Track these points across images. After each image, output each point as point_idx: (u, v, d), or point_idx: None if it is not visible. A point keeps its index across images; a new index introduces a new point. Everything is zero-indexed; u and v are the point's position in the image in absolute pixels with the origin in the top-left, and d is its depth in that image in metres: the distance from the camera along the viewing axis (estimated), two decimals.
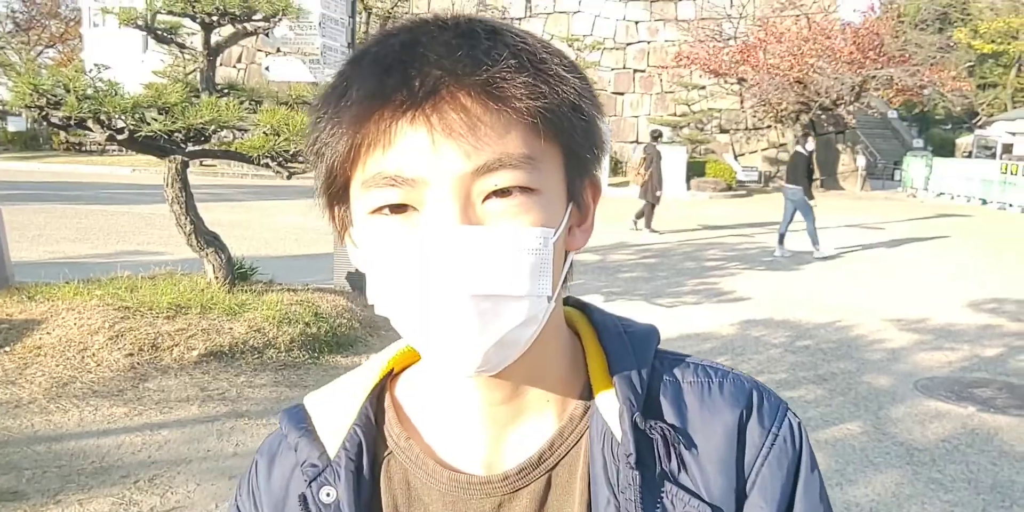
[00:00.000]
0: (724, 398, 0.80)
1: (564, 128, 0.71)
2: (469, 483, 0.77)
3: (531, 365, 0.75)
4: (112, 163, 27.61)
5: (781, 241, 12.38)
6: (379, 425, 0.82)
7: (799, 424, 0.82)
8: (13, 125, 34.71)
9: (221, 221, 13.70)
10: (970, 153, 33.29)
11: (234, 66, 32.70)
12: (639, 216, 15.13)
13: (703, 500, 0.75)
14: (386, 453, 0.81)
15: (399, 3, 28.36)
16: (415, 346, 0.73)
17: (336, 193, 0.74)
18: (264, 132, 5.66)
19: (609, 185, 26.10)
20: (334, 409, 0.82)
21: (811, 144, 12.70)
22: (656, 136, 15.92)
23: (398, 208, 0.69)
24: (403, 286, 0.68)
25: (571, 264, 0.79)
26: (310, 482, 0.78)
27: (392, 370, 0.86)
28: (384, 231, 0.69)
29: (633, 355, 0.81)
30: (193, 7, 5.99)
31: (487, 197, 0.68)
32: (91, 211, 15.05)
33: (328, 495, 0.77)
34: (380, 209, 0.69)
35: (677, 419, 0.78)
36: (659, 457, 0.75)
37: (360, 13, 27.66)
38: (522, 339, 0.70)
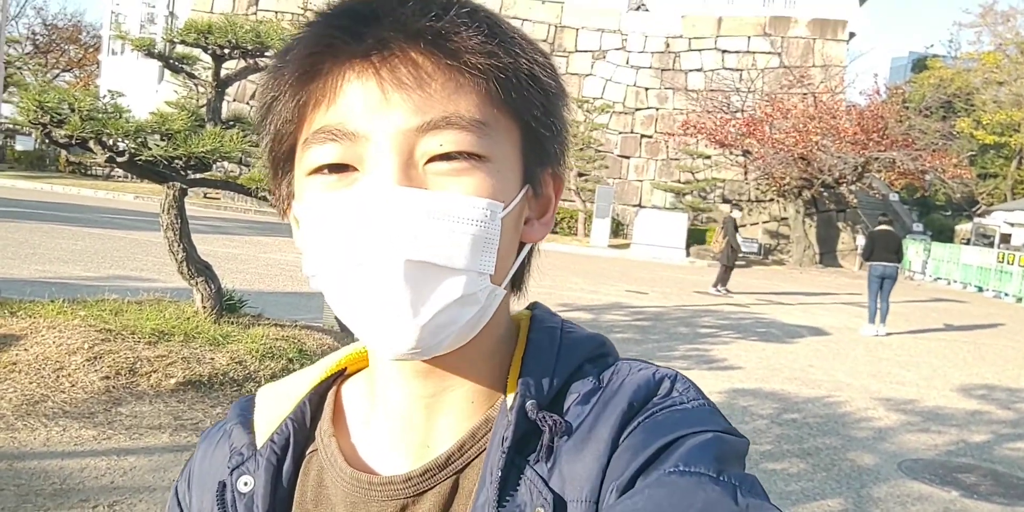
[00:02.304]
0: (624, 391, 0.71)
1: (521, 99, 0.67)
2: (371, 484, 0.72)
3: (464, 358, 0.71)
4: (116, 189, 27.70)
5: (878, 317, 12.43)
6: (314, 421, 0.78)
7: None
8: (21, 144, 34.96)
9: (217, 253, 13.70)
10: (968, 240, 33.50)
11: (247, 102, 33.10)
12: (719, 281, 16.59)
13: (552, 490, 0.67)
14: (310, 450, 0.77)
15: None
16: (348, 323, 0.68)
17: (281, 158, 0.70)
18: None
19: (609, 246, 26.22)
20: (278, 402, 0.79)
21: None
22: (732, 209, 18.27)
23: (337, 168, 0.65)
24: (336, 251, 0.64)
25: (529, 255, 0.75)
26: (232, 470, 0.76)
27: (345, 370, 0.82)
28: (320, 191, 0.65)
29: (555, 354, 0.74)
30: (206, 39, 6.05)
31: (432, 160, 0.64)
32: (88, 234, 15.02)
33: (245, 485, 0.74)
34: (319, 169, 0.65)
35: (575, 416, 0.70)
36: (540, 447, 0.68)
37: None
38: (461, 319, 0.65)
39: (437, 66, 0.64)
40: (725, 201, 30.87)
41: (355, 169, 0.65)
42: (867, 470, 5.61)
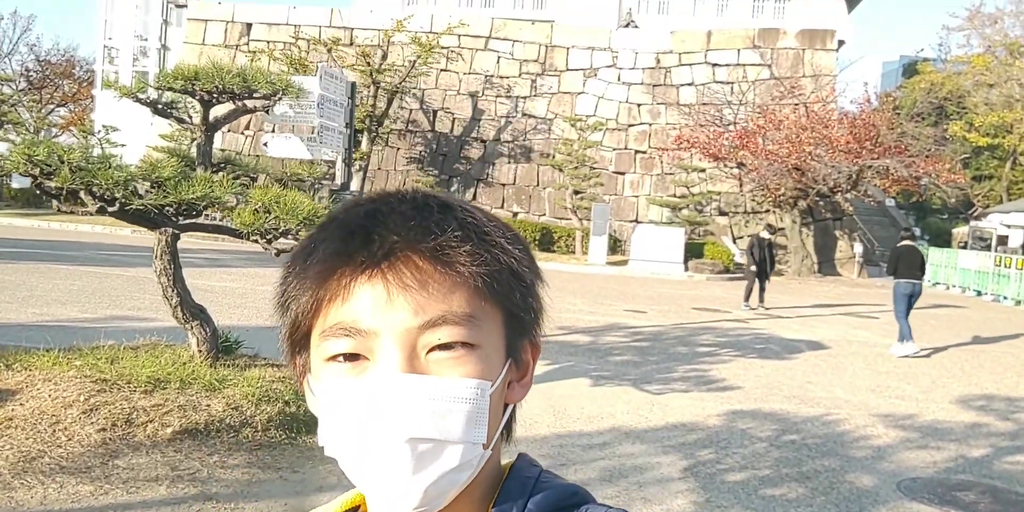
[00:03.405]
0: None
1: (504, 292, 0.80)
2: None
3: (455, 503, 0.80)
4: (113, 224, 27.73)
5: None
6: None
7: None
8: (17, 182, 35.10)
9: (214, 288, 13.74)
10: (966, 244, 33.53)
11: (242, 132, 33.27)
12: (752, 297, 17.05)
13: None
14: None
15: (407, 79, 28.98)
16: (359, 486, 0.80)
17: (298, 341, 0.82)
18: (255, 209, 5.72)
19: (607, 263, 26.25)
20: None
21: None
22: (766, 228, 18.45)
23: (351, 357, 0.77)
24: (349, 428, 0.75)
25: (512, 414, 0.86)
26: None
27: (358, 507, 0.90)
28: (336, 376, 0.77)
29: (524, 504, 0.82)
30: (193, 85, 6.12)
31: (431, 349, 0.76)
32: (85, 272, 15.06)
33: None
34: (335, 357, 0.77)
35: None
36: None
37: (369, 87, 28.28)
38: (458, 481, 0.77)
39: (435, 270, 0.77)
40: (721, 213, 30.93)
41: (367, 358, 0.77)
42: (866, 492, 5.62)
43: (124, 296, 12.41)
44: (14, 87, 46.31)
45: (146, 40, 51.77)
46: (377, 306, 0.75)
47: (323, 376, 0.78)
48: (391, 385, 0.74)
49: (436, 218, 0.79)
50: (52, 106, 52.69)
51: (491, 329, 0.80)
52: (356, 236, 0.78)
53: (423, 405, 0.74)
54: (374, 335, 0.75)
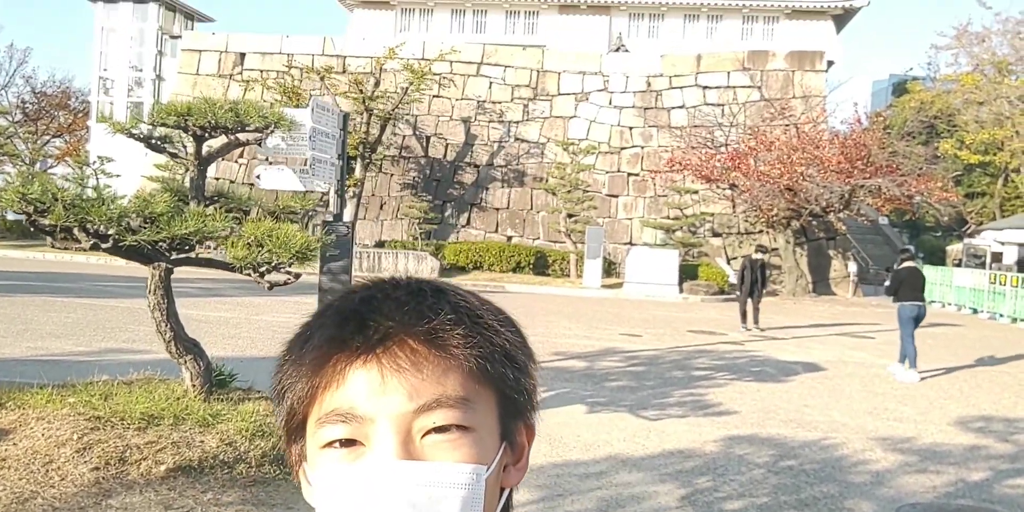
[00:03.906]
0: None
1: (497, 374, 0.81)
2: None
3: None
4: (108, 255, 27.76)
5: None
6: None
7: None
8: (12, 214, 35.09)
9: (208, 318, 13.73)
10: (960, 261, 33.62)
11: (236, 161, 33.36)
12: (744, 318, 17.19)
13: None
14: None
15: (399, 105, 29.14)
16: None
17: (295, 429, 0.83)
18: (248, 243, 5.73)
19: (602, 286, 26.25)
20: None
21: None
22: (757, 249, 18.52)
23: (347, 442, 0.77)
24: None
25: (508, 497, 0.86)
26: None
27: None
28: (332, 462, 0.77)
29: None
30: (186, 120, 6.16)
31: (427, 433, 0.77)
32: (80, 304, 15.04)
33: None
34: (331, 443, 0.78)
35: None
36: None
37: (362, 113, 28.42)
38: None
39: (429, 352, 0.78)
40: (715, 235, 31.01)
41: (362, 444, 0.77)
42: None
43: (119, 328, 12.38)
44: (10, 119, 46.47)
45: (141, 71, 52.06)
46: (372, 390, 0.76)
47: (319, 463, 0.79)
48: (386, 472, 0.74)
49: (430, 302, 0.81)
50: (48, 137, 52.83)
51: (485, 412, 0.81)
52: (351, 322, 0.79)
53: (418, 492, 0.74)
54: (369, 421, 0.76)
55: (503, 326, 0.84)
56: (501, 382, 0.82)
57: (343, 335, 0.78)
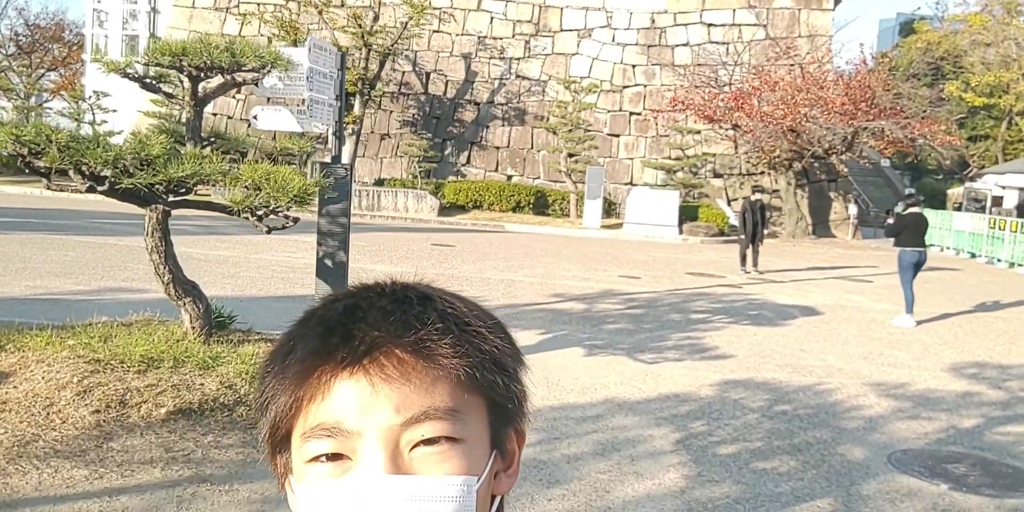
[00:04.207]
0: None
1: (487, 383, 0.80)
2: None
3: None
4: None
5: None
6: None
7: None
8: None
9: (208, 257, 13.73)
10: (960, 205, 33.54)
11: (233, 96, 32.91)
12: (744, 261, 17.24)
13: None
14: None
15: (399, 41, 28.62)
16: None
17: (279, 442, 0.81)
18: (245, 186, 5.67)
19: (602, 227, 26.23)
20: None
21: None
22: (754, 189, 18.56)
23: (333, 457, 0.75)
24: None
25: (500, 506, 0.85)
26: None
27: None
28: (319, 477, 0.75)
29: None
30: (180, 60, 6.03)
31: (415, 445, 0.75)
32: (79, 242, 15.01)
33: None
34: (317, 457, 0.76)
35: None
36: None
37: (360, 49, 27.94)
38: None
39: (417, 363, 0.76)
40: (716, 176, 30.84)
41: (349, 458, 0.75)
42: (857, 465, 5.68)
43: (118, 266, 12.38)
44: (4, 52, 45.72)
45: (136, 3, 50.91)
46: (358, 403, 0.74)
47: (305, 477, 0.77)
48: (374, 487, 0.73)
49: (416, 311, 0.79)
50: (42, 71, 52.05)
51: (475, 421, 0.79)
52: (336, 333, 0.77)
53: (408, 506, 0.73)
54: (356, 435, 0.74)
55: (492, 332, 0.82)
56: (491, 390, 0.80)
57: (328, 346, 0.76)
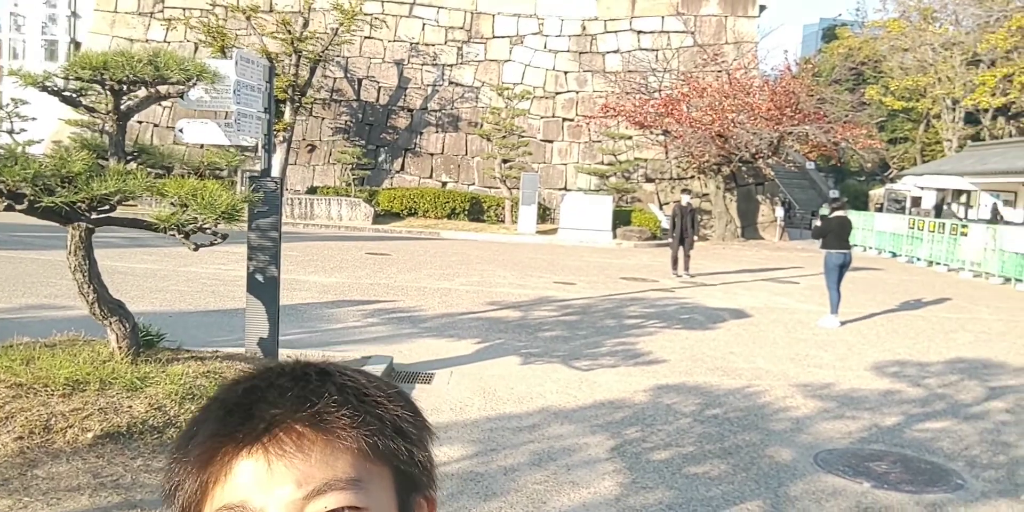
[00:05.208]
0: None
1: (389, 451, 0.81)
2: None
3: None
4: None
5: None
6: None
7: None
8: None
9: (135, 270, 13.43)
10: (882, 206, 34.60)
11: (159, 104, 32.17)
12: (675, 265, 17.68)
13: None
14: None
15: (330, 47, 28.37)
16: None
17: None
18: (172, 203, 5.58)
19: (537, 232, 26.37)
20: None
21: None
22: (683, 191, 19.11)
23: None
24: None
25: None
26: None
27: None
28: None
29: None
30: (102, 74, 5.91)
31: None
32: None
33: None
34: None
35: None
36: None
37: (291, 55, 27.61)
38: None
39: (316, 436, 0.77)
40: (648, 180, 31.29)
41: None
42: (785, 467, 5.85)
43: (40, 283, 12.03)
44: None
45: (55, 7, 49.51)
46: (260, 480, 0.75)
47: None
48: None
49: (313, 386, 0.81)
50: None
51: (379, 490, 0.80)
52: (235, 414, 0.79)
53: None
54: None
55: (392, 401, 0.84)
56: (394, 458, 0.81)
57: (228, 427, 0.78)
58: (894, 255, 25.22)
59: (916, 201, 31.47)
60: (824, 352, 10.13)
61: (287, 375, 0.83)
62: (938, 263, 22.53)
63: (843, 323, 12.12)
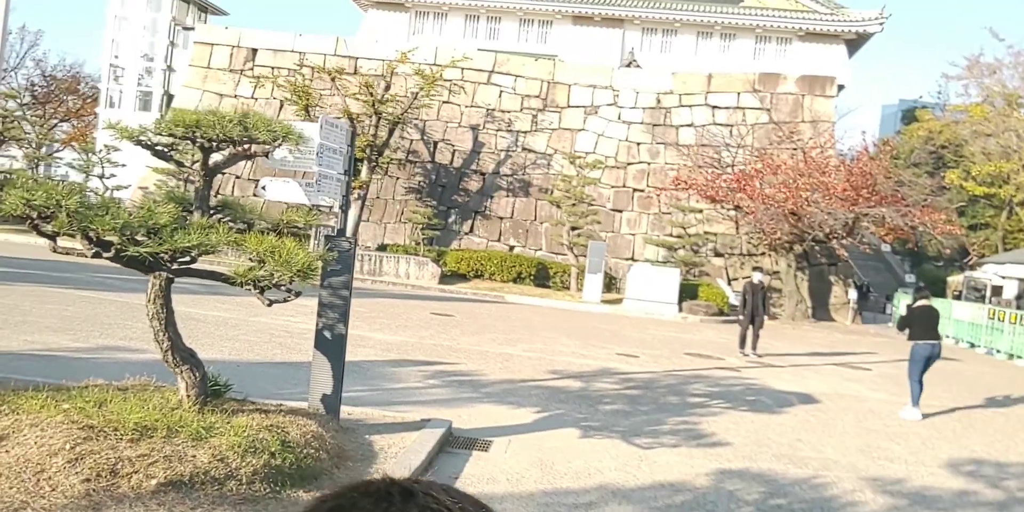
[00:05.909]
0: None
1: None
2: None
3: None
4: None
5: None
6: None
7: None
8: None
9: (208, 318, 13.72)
10: (960, 293, 33.60)
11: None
12: (743, 343, 17.26)
13: None
14: None
15: (409, 110, 29.17)
16: None
17: None
18: (250, 258, 5.72)
19: (602, 301, 26.23)
20: None
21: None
22: (755, 269, 19.25)
23: None
24: None
25: None
26: None
27: None
28: None
29: None
30: (194, 132, 6.16)
31: None
32: (79, 297, 15.02)
33: None
34: None
35: None
36: None
37: (371, 116, 28.45)
38: None
39: None
40: (717, 255, 31.02)
41: None
42: None
43: (116, 324, 12.37)
44: (18, 101, 46.46)
45: (152, 60, 52.15)
46: None
47: None
48: None
49: (396, 509, 0.81)
50: (56, 121, 52.91)
51: None
52: None
53: None
54: None
55: None
56: None
57: None
58: (972, 345, 24.34)
59: (997, 290, 30.48)
60: (896, 445, 9.74)
61: (371, 496, 0.83)
62: (1019, 357, 21.65)
63: (925, 416, 11.63)
